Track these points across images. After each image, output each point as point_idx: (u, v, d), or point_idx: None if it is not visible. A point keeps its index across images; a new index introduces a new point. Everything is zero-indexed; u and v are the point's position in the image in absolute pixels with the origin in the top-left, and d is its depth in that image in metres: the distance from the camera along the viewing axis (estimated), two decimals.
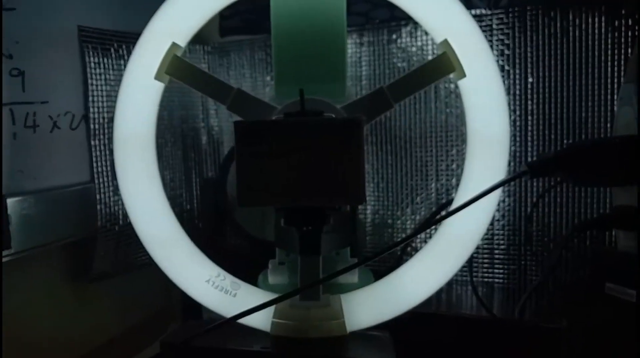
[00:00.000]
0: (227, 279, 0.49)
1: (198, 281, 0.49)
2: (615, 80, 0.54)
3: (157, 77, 0.48)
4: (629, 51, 0.53)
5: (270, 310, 0.47)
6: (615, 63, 0.54)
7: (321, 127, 0.40)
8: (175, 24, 0.48)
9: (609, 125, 0.54)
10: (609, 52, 0.54)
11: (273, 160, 0.40)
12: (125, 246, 0.62)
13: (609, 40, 0.54)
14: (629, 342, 0.55)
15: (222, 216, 0.69)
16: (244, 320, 0.47)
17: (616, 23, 0.53)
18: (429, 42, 0.62)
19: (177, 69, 0.48)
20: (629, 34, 0.53)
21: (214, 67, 0.74)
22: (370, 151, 0.66)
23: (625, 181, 0.44)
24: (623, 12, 0.53)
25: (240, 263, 0.52)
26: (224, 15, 0.72)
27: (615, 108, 0.46)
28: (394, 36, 0.63)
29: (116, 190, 0.60)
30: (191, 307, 0.61)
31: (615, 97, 0.53)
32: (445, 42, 0.45)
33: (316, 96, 0.46)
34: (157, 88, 0.49)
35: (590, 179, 0.45)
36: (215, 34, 0.73)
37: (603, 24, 0.54)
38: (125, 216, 0.60)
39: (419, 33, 0.62)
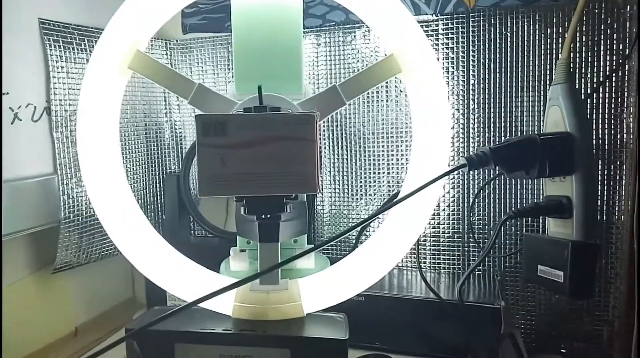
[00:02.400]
0: (189, 265, 0.51)
1: (161, 267, 0.51)
2: (548, 81, 0.59)
3: (120, 71, 0.50)
4: (559, 55, 0.58)
5: (232, 294, 0.50)
6: (548, 66, 0.59)
7: (277, 121, 0.43)
8: (138, 20, 0.50)
9: (542, 122, 0.60)
10: (542, 56, 0.59)
11: (232, 151, 0.43)
12: (89, 236, 0.63)
13: (542, 45, 0.59)
14: (560, 317, 0.61)
15: (185, 209, 0.71)
16: (207, 305, 0.50)
17: (548, 30, 0.59)
18: (381, 44, 0.66)
19: (140, 63, 0.50)
20: (559, 40, 0.58)
21: (176, 63, 0.75)
22: (328, 146, 0.69)
23: (551, 174, 0.49)
24: (554, 19, 0.59)
25: (204, 254, 0.55)
26: (185, 12, 0.74)
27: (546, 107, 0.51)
28: (349, 38, 0.67)
29: (79, 182, 0.61)
30: (156, 296, 0.63)
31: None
32: (393, 45, 0.49)
33: (274, 92, 0.49)
34: (120, 82, 0.51)
35: (520, 171, 0.50)
36: (178, 31, 0.74)
37: (537, 31, 0.59)
38: (89, 207, 0.62)
39: (372, 35, 0.66)
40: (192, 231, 0.77)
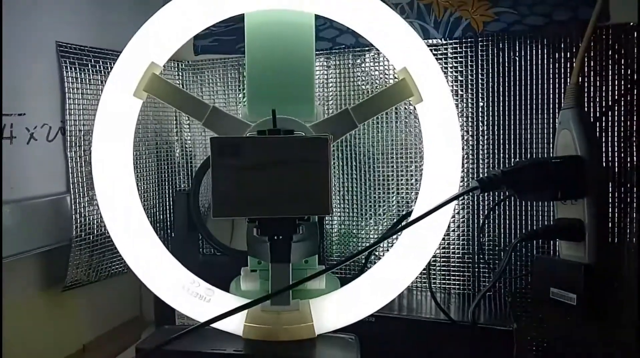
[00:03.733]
0: (202, 285, 0.52)
1: (173, 287, 0.51)
2: (556, 105, 0.60)
3: (136, 94, 0.51)
4: (568, 79, 0.59)
5: (243, 315, 0.50)
6: (556, 90, 0.60)
7: (292, 144, 0.44)
8: (154, 44, 0.51)
9: (550, 145, 0.60)
10: (550, 80, 0.60)
11: (247, 174, 0.43)
12: (99, 255, 0.63)
13: (550, 70, 0.60)
14: (573, 340, 0.60)
15: (194, 227, 0.71)
16: (217, 325, 0.50)
17: (556, 55, 0.60)
18: (390, 66, 0.67)
19: (156, 86, 0.51)
20: (567, 65, 0.59)
21: (187, 83, 0.76)
22: (337, 166, 0.70)
23: (563, 197, 0.50)
24: (562, 45, 0.59)
25: (212, 273, 0.55)
26: (197, 34, 0.75)
27: (556, 131, 0.51)
28: (359, 61, 0.68)
29: (91, 200, 0.62)
30: (164, 315, 0.63)
31: (556, 121, 0.59)
32: (404, 70, 0.50)
33: (286, 115, 0.49)
34: (135, 104, 0.51)
35: (532, 194, 0.50)
36: (189, 52, 0.76)
37: (545, 56, 0.60)
38: (100, 225, 0.62)
39: (381, 58, 0.67)
40: (200, 249, 0.77)
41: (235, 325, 0.50)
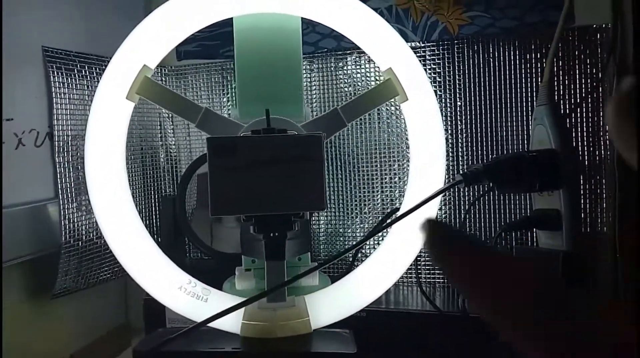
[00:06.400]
0: (198, 285, 0.52)
1: (170, 288, 0.51)
2: (528, 102, 0.63)
3: (128, 97, 0.51)
4: (538, 78, 0.63)
5: (240, 313, 0.51)
6: (528, 88, 0.64)
7: (286, 143, 0.45)
8: (146, 47, 0.52)
9: (525, 141, 0.64)
10: (523, 79, 0.64)
11: (243, 172, 0.44)
12: (88, 261, 0.63)
13: (522, 70, 0.64)
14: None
15: (181, 232, 0.72)
16: (215, 324, 0.50)
17: (527, 56, 0.63)
18: (372, 69, 0.69)
19: (148, 89, 0.52)
20: (538, 64, 0.63)
21: (171, 89, 0.76)
22: None
23: (541, 188, 0.53)
24: (533, 46, 0.63)
25: (201, 276, 0.55)
26: None
27: (530, 127, 0.55)
28: (341, 64, 0.70)
29: (80, 206, 0.61)
30: (154, 320, 0.62)
31: (530, 117, 0.63)
32: (390, 70, 0.52)
33: (277, 115, 0.51)
34: (128, 107, 0.52)
35: (511, 186, 0.53)
36: (172, 58, 0.76)
37: (517, 56, 0.64)
38: (89, 231, 0.62)
39: (362, 61, 0.69)
40: (187, 254, 0.77)
41: (232, 323, 0.51)
